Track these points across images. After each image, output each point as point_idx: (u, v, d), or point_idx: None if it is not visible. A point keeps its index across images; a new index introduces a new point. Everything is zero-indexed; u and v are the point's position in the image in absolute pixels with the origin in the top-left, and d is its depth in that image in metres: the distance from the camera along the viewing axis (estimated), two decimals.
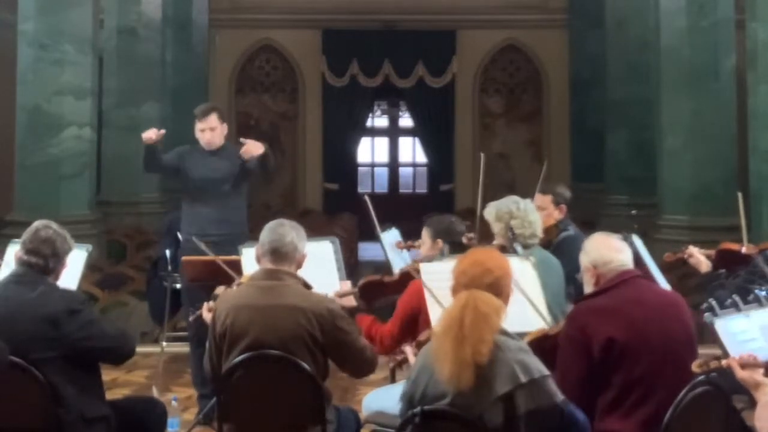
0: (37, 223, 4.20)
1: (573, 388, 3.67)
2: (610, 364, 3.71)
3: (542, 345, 3.91)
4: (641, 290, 3.89)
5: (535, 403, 3.28)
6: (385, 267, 6.47)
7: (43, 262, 4.08)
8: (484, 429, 3.25)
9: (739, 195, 6.17)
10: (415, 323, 4.54)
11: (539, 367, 3.34)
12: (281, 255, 4.10)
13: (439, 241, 5.09)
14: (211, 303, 4.28)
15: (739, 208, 6.01)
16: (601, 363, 3.71)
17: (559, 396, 3.35)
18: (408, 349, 4.01)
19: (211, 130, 6.17)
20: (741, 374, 3.28)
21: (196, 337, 5.79)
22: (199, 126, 6.20)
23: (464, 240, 5.09)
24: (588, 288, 3.98)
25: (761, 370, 3.25)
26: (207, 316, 4.24)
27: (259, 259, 4.21)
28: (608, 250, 3.95)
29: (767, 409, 3.16)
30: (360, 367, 4.19)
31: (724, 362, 3.32)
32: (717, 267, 5.61)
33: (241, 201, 6.33)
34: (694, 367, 3.38)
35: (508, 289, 3.51)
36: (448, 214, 5.46)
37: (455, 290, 3.48)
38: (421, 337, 4.03)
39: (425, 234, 5.21)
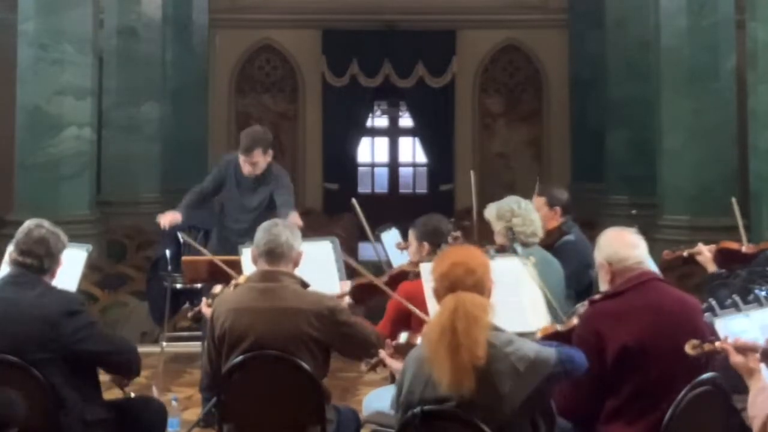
0: (28, 223, 4.15)
1: (583, 390, 3.66)
2: (623, 370, 3.68)
3: (553, 342, 3.91)
4: (659, 294, 3.82)
5: (540, 377, 3.29)
6: (385, 267, 6.50)
7: (38, 262, 4.05)
8: (489, 426, 3.24)
9: (734, 200, 6.17)
10: (404, 324, 4.53)
11: (531, 347, 3.35)
12: (277, 255, 4.10)
13: (425, 244, 5.05)
14: (209, 300, 4.28)
15: (736, 214, 6.01)
16: (614, 369, 3.68)
17: (553, 355, 3.34)
18: (382, 353, 3.97)
19: (252, 164, 6.19)
20: (735, 359, 3.24)
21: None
22: (240, 157, 6.22)
23: (450, 240, 5.07)
24: (603, 284, 3.92)
25: (756, 356, 3.22)
26: (207, 311, 4.24)
27: (255, 261, 4.20)
28: (622, 246, 3.87)
29: (760, 395, 3.13)
30: (368, 352, 4.18)
31: (718, 344, 3.28)
32: (717, 266, 5.60)
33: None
34: (688, 348, 3.33)
35: (490, 284, 3.46)
36: (437, 214, 5.40)
37: (438, 294, 3.42)
38: (400, 340, 3.99)
39: (411, 236, 5.18)
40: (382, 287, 4.65)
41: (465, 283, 3.37)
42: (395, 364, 3.77)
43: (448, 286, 3.39)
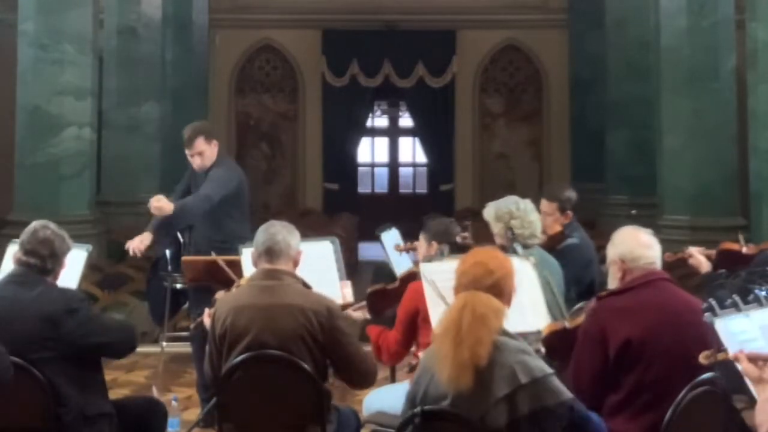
0: (35, 224, 4.17)
1: (585, 383, 3.70)
2: (624, 365, 3.71)
3: (561, 339, 3.92)
4: (665, 293, 3.86)
5: (540, 403, 3.26)
6: (385, 267, 6.51)
7: (41, 262, 4.07)
8: (484, 430, 3.24)
9: (741, 237, 6.17)
10: (413, 325, 4.56)
11: (541, 366, 3.32)
12: (276, 253, 4.12)
13: (434, 243, 5.11)
14: (211, 309, 4.27)
15: (740, 239, 6.01)
16: (616, 363, 3.71)
17: (566, 394, 3.31)
18: (421, 355, 4.00)
19: (199, 155, 6.02)
20: (746, 366, 3.25)
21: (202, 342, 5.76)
22: (187, 152, 6.05)
23: (459, 240, 5.12)
24: (613, 281, 3.96)
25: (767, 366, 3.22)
26: (208, 321, 4.24)
27: (256, 263, 4.22)
28: (637, 246, 3.91)
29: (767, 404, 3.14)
30: (357, 374, 4.10)
31: (731, 354, 3.29)
32: (718, 267, 5.61)
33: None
34: (702, 358, 3.33)
35: (510, 289, 3.49)
36: (445, 216, 5.48)
37: (457, 290, 3.47)
38: (431, 339, 4.03)
39: (422, 237, 5.25)
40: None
41: (482, 283, 3.39)
42: None
43: (465, 283, 3.43)
